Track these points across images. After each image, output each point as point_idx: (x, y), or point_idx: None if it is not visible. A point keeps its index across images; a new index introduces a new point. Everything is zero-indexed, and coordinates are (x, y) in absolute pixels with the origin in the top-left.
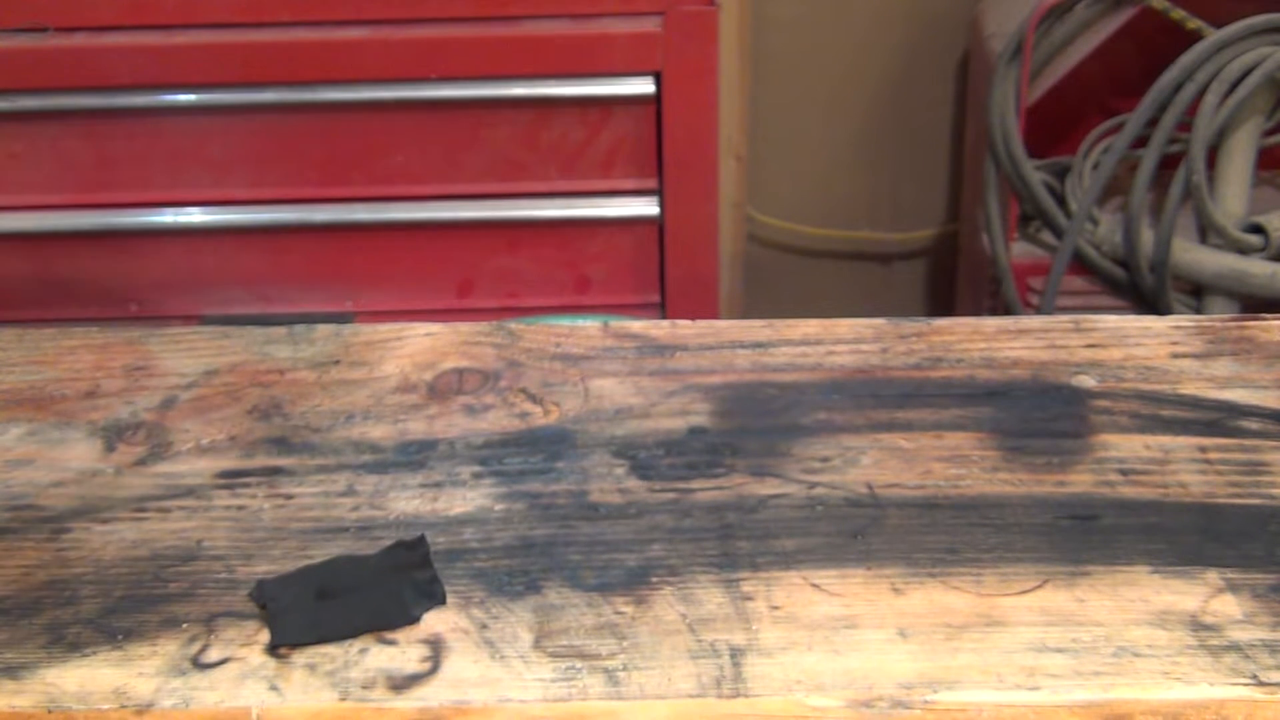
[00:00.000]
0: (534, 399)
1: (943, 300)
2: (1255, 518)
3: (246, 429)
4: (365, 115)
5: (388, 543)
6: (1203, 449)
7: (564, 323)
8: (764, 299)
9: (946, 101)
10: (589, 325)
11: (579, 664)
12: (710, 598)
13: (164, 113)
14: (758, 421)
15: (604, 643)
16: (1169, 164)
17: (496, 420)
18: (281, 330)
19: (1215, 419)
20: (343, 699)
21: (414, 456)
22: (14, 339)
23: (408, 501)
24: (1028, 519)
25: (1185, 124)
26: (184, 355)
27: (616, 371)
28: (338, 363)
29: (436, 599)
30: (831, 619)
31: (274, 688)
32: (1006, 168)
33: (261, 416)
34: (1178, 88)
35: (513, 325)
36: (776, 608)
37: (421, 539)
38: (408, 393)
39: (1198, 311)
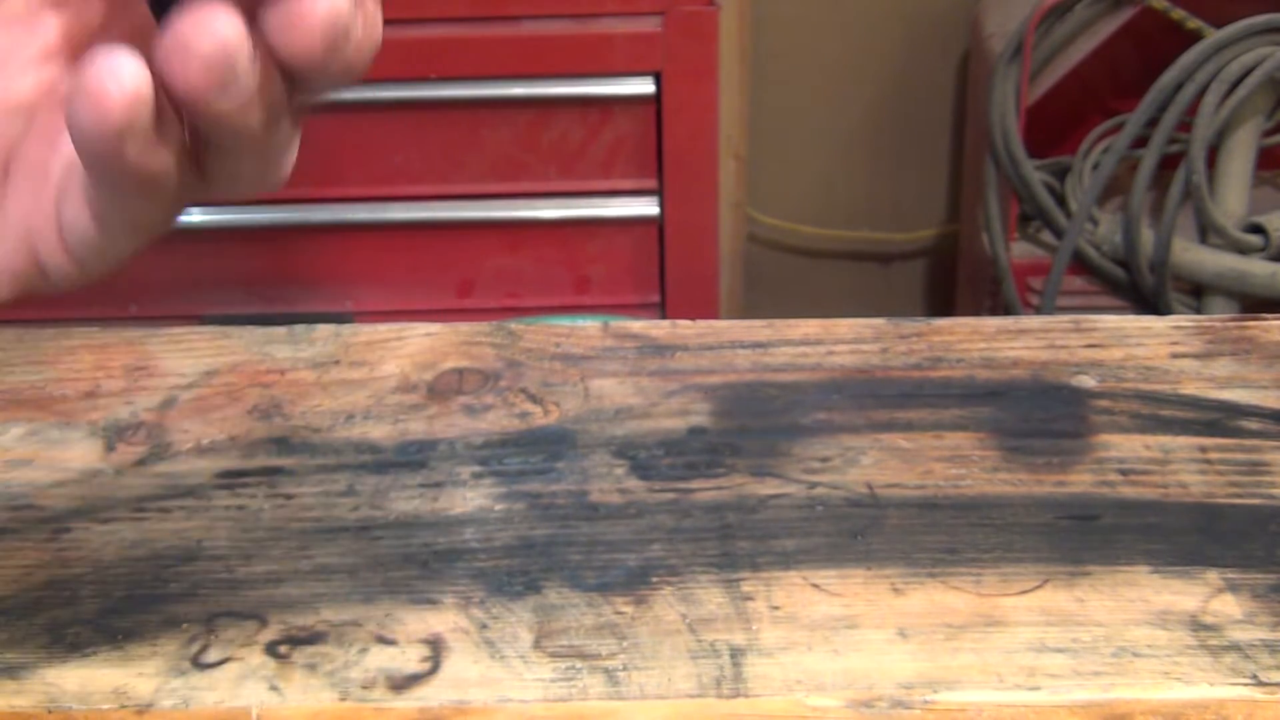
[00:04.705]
0: (534, 399)
1: (943, 300)
2: (1255, 518)
3: (246, 429)
4: (365, 115)
5: (388, 542)
6: (1203, 449)
7: (564, 323)
8: (764, 299)
9: (946, 102)
10: (589, 325)
11: (579, 664)
12: (710, 598)
13: None
14: (758, 421)
15: (604, 643)
16: (1169, 164)
17: (496, 420)
18: (281, 330)
19: (1215, 419)
20: (343, 699)
21: (414, 456)
22: (14, 339)
23: (408, 501)
24: (1028, 519)
25: (1185, 124)
26: (184, 355)
27: (616, 371)
28: (338, 363)
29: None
30: (831, 619)
31: (274, 688)
32: (1006, 168)
33: (261, 416)
34: (1178, 88)
35: (513, 325)
36: (776, 608)
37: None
38: (408, 393)
39: (1198, 311)
